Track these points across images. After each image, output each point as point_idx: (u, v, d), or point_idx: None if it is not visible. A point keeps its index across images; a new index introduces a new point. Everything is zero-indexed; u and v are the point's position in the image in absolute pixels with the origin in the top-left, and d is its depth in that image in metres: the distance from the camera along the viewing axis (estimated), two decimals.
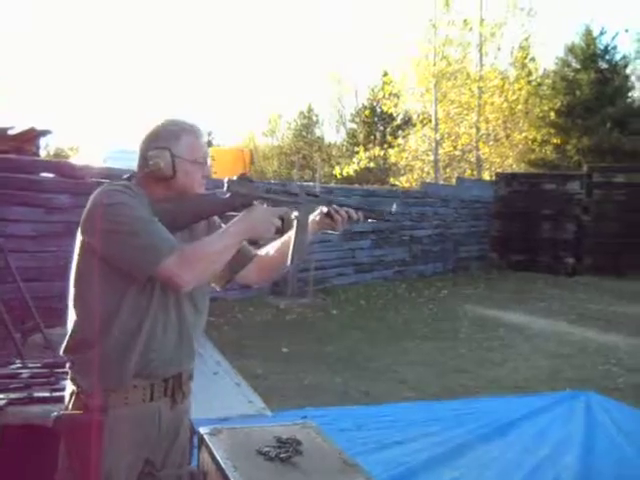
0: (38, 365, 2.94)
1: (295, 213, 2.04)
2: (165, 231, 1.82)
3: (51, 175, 7.08)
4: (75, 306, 1.91)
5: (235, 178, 1.99)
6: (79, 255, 1.89)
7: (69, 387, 1.96)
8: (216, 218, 2.12)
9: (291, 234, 2.04)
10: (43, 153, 12.88)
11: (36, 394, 2.59)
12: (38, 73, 56.26)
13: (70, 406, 1.92)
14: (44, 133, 8.08)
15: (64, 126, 51.88)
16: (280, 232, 2.03)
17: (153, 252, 1.77)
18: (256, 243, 2.24)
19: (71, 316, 1.92)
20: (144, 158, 1.92)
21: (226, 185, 1.97)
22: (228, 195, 1.98)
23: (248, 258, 2.17)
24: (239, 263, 2.14)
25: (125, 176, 1.98)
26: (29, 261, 6.43)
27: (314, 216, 2.12)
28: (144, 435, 1.93)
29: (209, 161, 2.03)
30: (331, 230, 2.14)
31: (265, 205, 1.99)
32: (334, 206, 2.09)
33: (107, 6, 58.11)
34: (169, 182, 1.92)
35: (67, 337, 1.93)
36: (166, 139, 1.92)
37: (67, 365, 1.96)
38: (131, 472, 1.92)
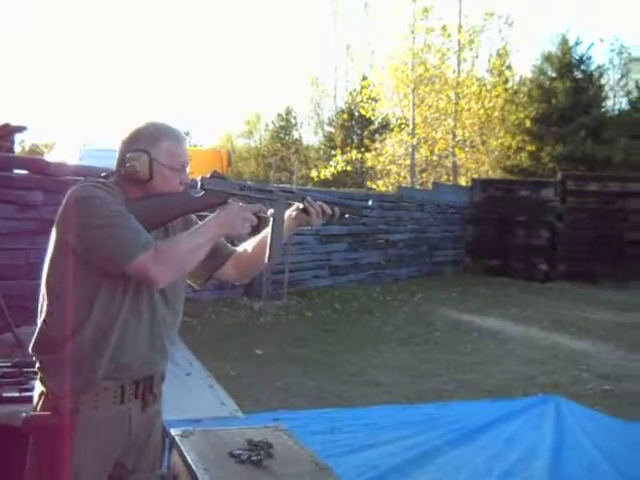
0: (7, 364, 2.89)
1: (271, 210, 2.04)
2: (140, 227, 1.82)
3: (24, 172, 6.99)
4: (46, 304, 1.89)
5: (208, 176, 1.99)
6: (53, 252, 1.88)
7: (38, 387, 1.93)
8: (193, 216, 2.11)
9: (268, 231, 2.04)
10: (18, 149, 12.72)
11: (5, 394, 2.56)
12: (15, 68, 55.56)
13: (39, 407, 1.90)
14: (19, 129, 7.96)
15: (40, 123, 51.26)
16: (256, 229, 2.03)
17: (128, 246, 1.77)
18: (232, 242, 2.24)
19: (41, 314, 1.90)
20: (121, 159, 1.92)
21: (200, 183, 1.96)
22: (202, 193, 1.97)
23: (225, 255, 2.17)
24: (216, 261, 2.14)
25: (103, 174, 1.97)
26: (1, 258, 6.34)
27: (290, 212, 2.11)
28: (114, 437, 1.91)
29: (188, 168, 2.01)
30: (307, 225, 2.14)
31: (240, 203, 1.98)
32: (308, 198, 2.09)
33: (86, 3, 57.54)
34: (145, 185, 1.91)
35: (36, 335, 1.91)
36: (146, 142, 1.91)
37: (36, 365, 1.94)
38: (101, 475, 1.90)
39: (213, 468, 2.10)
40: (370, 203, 2.37)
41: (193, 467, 2.10)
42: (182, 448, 2.25)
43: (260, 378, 5.62)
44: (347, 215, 2.19)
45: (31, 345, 1.92)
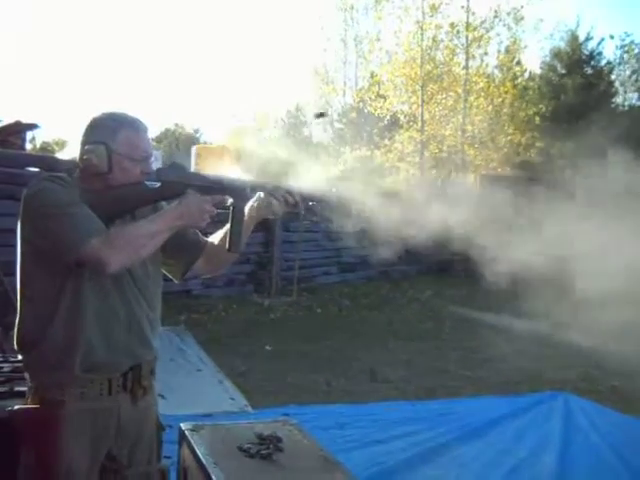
0: (20, 359, 2.92)
1: (230, 200, 2.00)
2: (91, 215, 1.80)
3: (36, 169, 7.04)
4: (21, 304, 1.90)
5: (166, 166, 1.95)
6: (20, 252, 1.89)
7: (27, 382, 1.95)
8: (164, 204, 2.06)
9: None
10: (29, 147, 12.78)
11: (17, 388, 2.58)
12: (27, 66, 55.77)
13: (29, 401, 1.92)
14: (31, 127, 8.04)
15: (52, 120, 51.43)
16: (220, 221, 2.00)
17: (79, 232, 1.75)
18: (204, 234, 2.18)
19: (18, 314, 1.91)
20: (80, 151, 1.90)
21: (156, 174, 1.93)
22: (158, 185, 1.94)
23: (199, 248, 2.14)
24: (192, 255, 2.12)
25: (67, 168, 1.97)
26: (12, 255, 6.37)
27: (253, 202, 2.07)
28: (103, 429, 1.91)
29: (153, 157, 2.00)
30: (272, 215, 2.10)
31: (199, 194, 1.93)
32: (269, 187, 2.05)
33: (98, 1, 57.63)
34: (105, 177, 1.89)
35: (15, 333, 1.92)
36: (103, 133, 1.88)
37: (22, 360, 1.96)
38: (92, 466, 1.90)
39: (223, 462, 2.12)
40: (334, 190, 2.27)
41: (203, 461, 2.13)
42: (192, 442, 2.27)
43: (270, 374, 5.65)
44: (311, 203, 2.15)
45: (15, 340, 1.93)
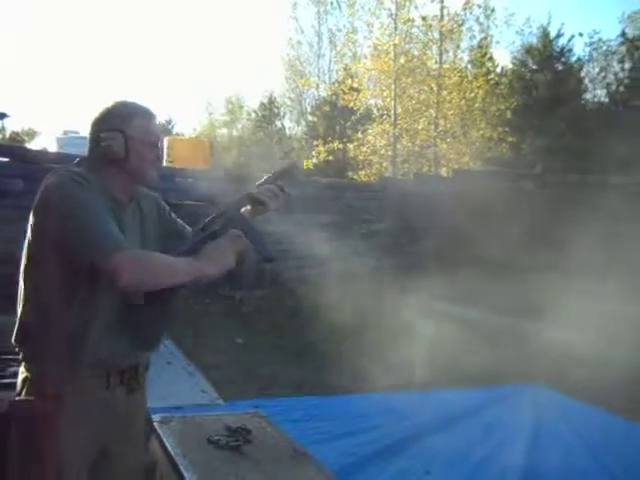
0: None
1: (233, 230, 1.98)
2: (113, 226, 1.81)
3: (5, 159, 6.94)
4: (26, 295, 1.88)
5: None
6: (32, 244, 1.87)
7: (22, 373, 1.93)
8: (165, 206, 2.11)
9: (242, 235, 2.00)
10: None
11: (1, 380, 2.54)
12: None
13: (23, 393, 1.90)
14: (0, 116, 7.92)
15: (21, 110, 50.69)
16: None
17: (107, 241, 1.75)
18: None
19: (22, 305, 1.90)
20: (95, 140, 1.91)
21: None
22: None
23: None
24: None
25: (75, 161, 1.96)
26: None
27: (244, 210, 2.07)
28: (101, 422, 1.92)
29: (161, 144, 2.02)
30: (266, 212, 2.08)
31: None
32: (253, 193, 2.04)
33: None
34: (121, 164, 1.91)
35: (17, 326, 1.90)
36: (118, 121, 1.91)
37: (20, 354, 1.93)
38: (85, 458, 1.90)
39: (192, 454, 2.11)
40: (298, 164, 2.26)
41: (172, 453, 2.12)
42: (161, 434, 2.26)
43: (241, 367, 5.64)
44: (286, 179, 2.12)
45: (13, 335, 1.92)
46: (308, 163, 19.16)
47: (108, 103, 1.96)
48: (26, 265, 1.88)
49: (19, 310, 1.91)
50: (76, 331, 1.83)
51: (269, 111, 34.53)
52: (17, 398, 1.89)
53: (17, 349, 1.94)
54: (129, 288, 1.79)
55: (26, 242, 1.89)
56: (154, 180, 2.00)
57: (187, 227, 2.18)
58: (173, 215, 2.19)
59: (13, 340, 1.93)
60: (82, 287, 1.82)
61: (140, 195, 2.07)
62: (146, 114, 1.97)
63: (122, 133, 1.88)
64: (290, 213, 2.10)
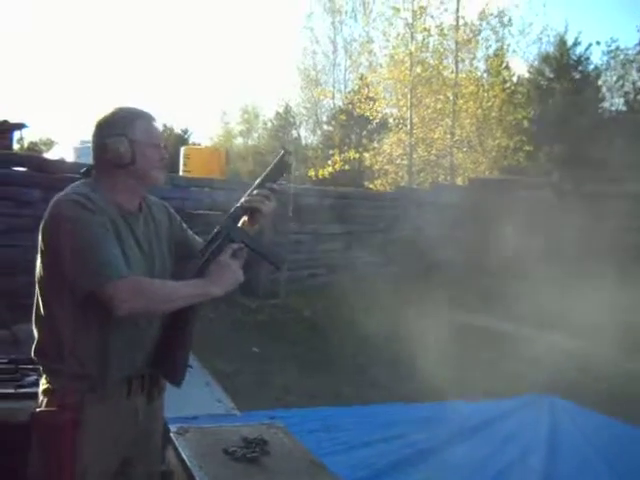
0: (4, 361, 2.90)
1: (233, 245, 1.99)
2: (117, 253, 1.81)
3: (23, 169, 7.00)
4: (42, 317, 1.89)
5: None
6: (42, 266, 1.88)
7: (43, 384, 1.93)
8: (176, 215, 2.14)
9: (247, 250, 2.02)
10: (17, 147, 12.70)
11: (1, 390, 2.56)
12: (14, 65, 55.41)
13: (44, 404, 1.90)
14: (18, 126, 8.01)
15: (39, 120, 51.19)
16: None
17: (106, 270, 1.76)
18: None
19: (39, 324, 1.90)
20: (100, 147, 1.93)
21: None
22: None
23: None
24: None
25: (82, 170, 1.97)
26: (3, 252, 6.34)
27: (241, 221, 2.07)
28: (122, 431, 1.92)
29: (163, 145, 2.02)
30: (266, 215, 2.07)
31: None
32: (243, 203, 2.04)
33: (84, 1, 57.35)
34: (128, 168, 1.92)
35: (38, 340, 1.91)
36: (121, 126, 1.92)
37: (40, 367, 1.94)
38: (107, 468, 1.90)
39: (208, 465, 2.11)
40: (290, 147, 2.23)
41: (188, 464, 2.11)
42: (177, 445, 2.26)
43: (256, 376, 5.63)
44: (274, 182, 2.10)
45: (33, 349, 1.93)
46: (324, 172, 19.16)
47: (107, 110, 1.98)
48: (41, 279, 1.90)
49: (35, 326, 1.92)
50: (98, 345, 1.84)
51: (285, 120, 34.62)
52: (38, 409, 1.89)
53: (38, 363, 1.95)
54: (129, 317, 1.82)
55: (38, 262, 1.90)
56: (160, 181, 2.01)
57: (197, 238, 2.19)
58: (184, 225, 2.20)
59: (32, 354, 1.94)
60: (96, 308, 1.81)
61: (150, 202, 2.08)
62: (146, 117, 1.99)
63: (127, 137, 1.91)
64: (290, 213, 2.08)
